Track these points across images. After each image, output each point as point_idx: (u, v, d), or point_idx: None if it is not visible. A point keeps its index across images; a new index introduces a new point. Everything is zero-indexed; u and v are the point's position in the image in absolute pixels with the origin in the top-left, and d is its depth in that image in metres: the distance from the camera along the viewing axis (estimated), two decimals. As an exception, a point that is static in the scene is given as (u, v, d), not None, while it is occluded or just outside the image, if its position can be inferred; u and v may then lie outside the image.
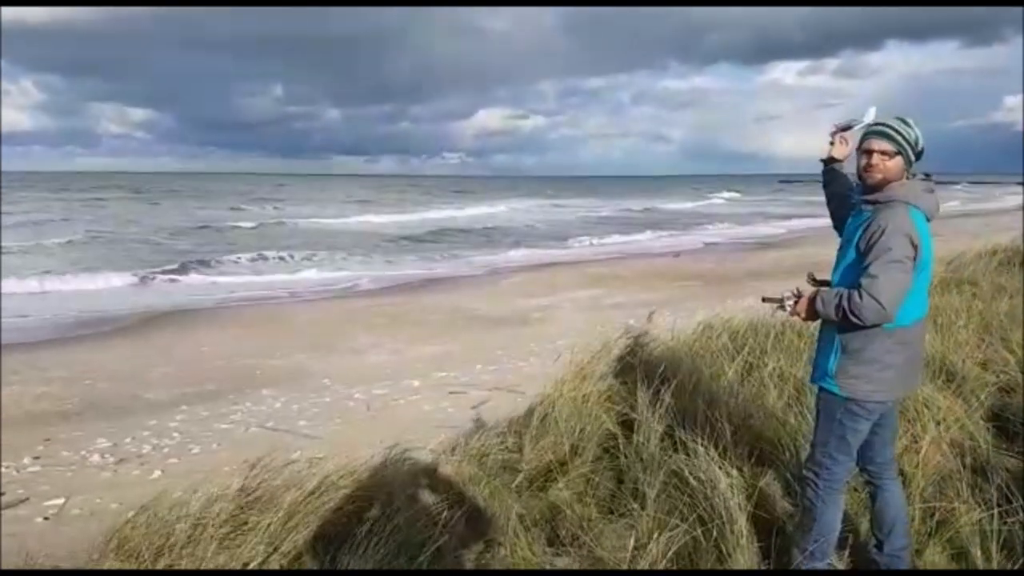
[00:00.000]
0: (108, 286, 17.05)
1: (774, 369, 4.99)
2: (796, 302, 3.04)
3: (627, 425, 4.45)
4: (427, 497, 3.81)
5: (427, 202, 60.97)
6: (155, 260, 21.52)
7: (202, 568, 3.14)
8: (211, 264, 20.94)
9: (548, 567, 3.38)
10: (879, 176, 2.97)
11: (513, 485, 3.99)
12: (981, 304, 6.89)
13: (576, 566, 3.38)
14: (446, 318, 12.79)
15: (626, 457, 4.17)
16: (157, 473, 5.97)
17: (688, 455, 3.74)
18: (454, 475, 4.03)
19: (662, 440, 4.14)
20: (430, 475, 4.02)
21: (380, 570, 3.13)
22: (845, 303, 2.84)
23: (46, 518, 5.13)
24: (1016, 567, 3.23)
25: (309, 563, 3.25)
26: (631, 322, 6.59)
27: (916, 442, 4.06)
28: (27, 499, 5.45)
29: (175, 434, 6.92)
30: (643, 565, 3.10)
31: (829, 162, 3.34)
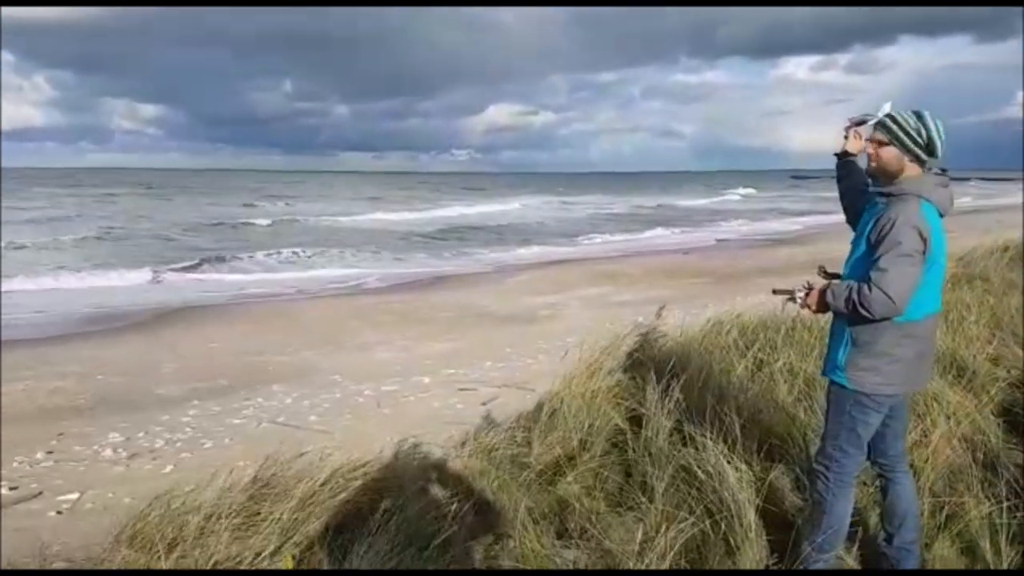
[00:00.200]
0: (121, 282, 17.14)
1: (784, 364, 4.98)
2: (807, 294, 3.05)
3: (636, 420, 4.46)
4: (437, 490, 3.84)
5: (437, 199, 60.99)
6: (168, 256, 21.65)
7: (212, 560, 3.17)
8: (223, 261, 21.03)
9: (557, 560, 3.40)
10: (873, 165, 3.01)
11: (522, 479, 4.01)
12: (992, 299, 6.87)
13: (584, 559, 3.40)
14: (455, 315, 12.81)
15: (634, 451, 4.18)
16: (169, 468, 6.02)
17: (697, 449, 3.75)
18: (463, 469, 4.06)
19: (671, 435, 4.15)
20: (440, 469, 4.04)
21: (379, 570, 3.15)
22: (855, 296, 2.85)
23: (59, 512, 5.18)
24: (1026, 562, 3.23)
25: (320, 553, 3.28)
26: (640, 319, 6.59)
27: (926, 436, 4.06)
28: (40, 493, 5.51)
29: (187, 429, 6.97)
30: (651, 558, 3.12)
31: (843, 156, 3.34)
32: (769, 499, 3.57)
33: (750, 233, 30.50)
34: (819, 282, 3.07)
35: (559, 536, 3.60)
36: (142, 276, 17.88)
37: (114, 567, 3.24)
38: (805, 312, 3.14)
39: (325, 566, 3.26)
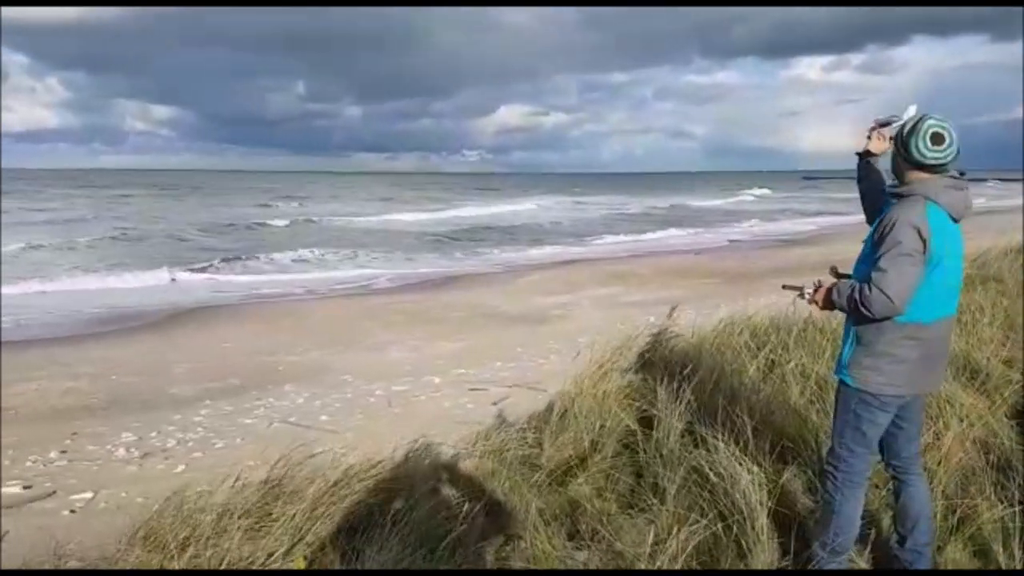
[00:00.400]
0: (136, 283, 17.20)
1: (796, 366, 4.96)
2: (815, 291, 3.09)
3: (647, 422, 4.46)
4: (448, 491, 3.85)
5: (449, 200, 61.05)
6: (183, 257, 21.75)
7: (225, 560, 3.19)
8: (237, 261, 21.12)
9: (568, 561, 3.40)
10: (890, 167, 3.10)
11: (533, 480, 4.02)
12: (1006, 301, 6.82)
13: (596, 560, 3.40)
14: (466, 315, 12.83)
15: (646, 453, 4.17)
16: (181, 467, 6.06)
17: (709, 451, 3.74)
18: (474, 470, 4.06)
19: (682, 436, 4.14)
20: (451, 470, 4.05)
21: (386, 570, 3.16)
22: (856, 295, 2.88)
23: (73, 511, 5.22)
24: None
25: (332, 554, 3.29)
26: (651, 319, 6.58)
27: (939, 439, 4.04)
28: (54, 492, 5.55)
29: (199, 429, 7.01)
30: (663, 560, 3.11)
31: (865, 156, 3.33)
32: (781, 501, 3.56)
33: (763, 234, 30.38)
34: (829, 280, 3.09)
35: (570, 538, 3.60)
36: (156, 277, 17.95)
37: (128, 567, 3.26)
38: (812, 309, 3.17)
39: (337, 567, 3.27)
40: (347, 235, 30.41)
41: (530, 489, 3.91)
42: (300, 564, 3.14)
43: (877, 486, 3.68)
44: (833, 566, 3.14)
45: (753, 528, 3.26)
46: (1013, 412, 4.56)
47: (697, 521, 3.29)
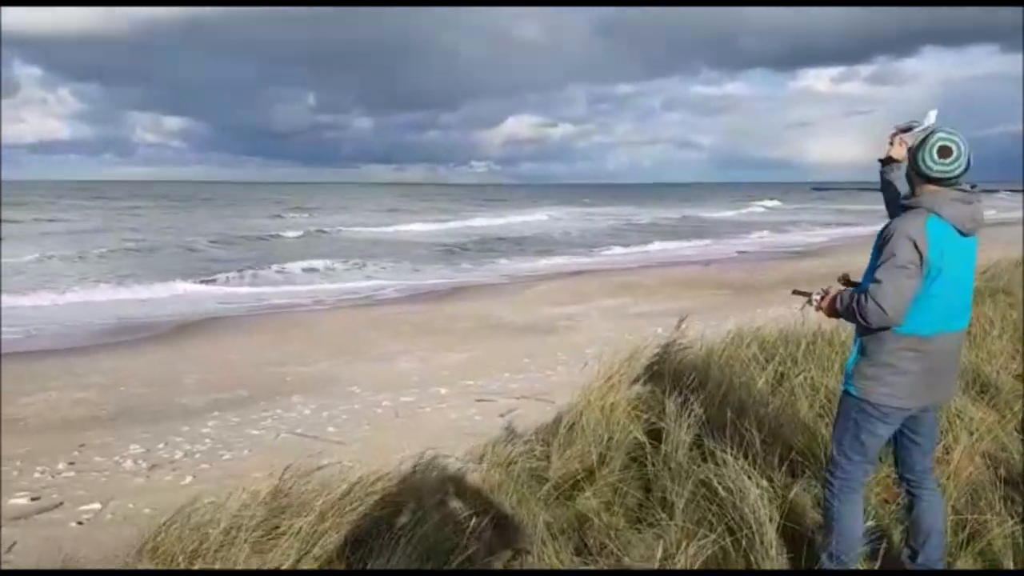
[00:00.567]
0: (147, 294, 17.21)
1: (805, 379, 4.94)
2: (822, 298, 3.12)
3: (655, 434, 4.44)
4: (455, 504, 3.83)
5: (458, 211, 61.18)
6: (194, 269, 21.79)
7: (238, 567, 3.19)
8: (247, 272, 21.14)
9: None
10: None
11: (540, 493, 4.00)
12: (1016, 314, 6.77)
13: (604, 575, 3.38)
14: (474, 326, 12.82)
15: (654, 466, 4.15)
16: (189, 479, 6.06)
17: (717, 464, 3.72)
18: (482, 483, 4.05)
19: (691, 450, 4.13)
20: (458, 482, 4.04)
21: (384, 570, 3.15)
22: (855, 304, 2.90)
23: (80, 523, 5.22)
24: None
25: (339, 568, 3.28)
26: (659, 330, 6.57)
27: (948, 453, 4.01)
28: (62, 504, 5.56)
29: (207, 440, 7.02)
30: (671, 575, 3.09)
31: (886, 162, 3.32)
32: (790, 516, 3.53)
33: (772, 245, 30.28)
34: (837, 287, 3.11)
35: (578, 552, 3.58)
36: (167, 288, 17.95)
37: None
38: (820, 316, 3.18)
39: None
40: (357, 246, 30.47)
41: (538, 502, 3.89)
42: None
43: (887, 501, 3.66)
44: None
45: (762, 543, 3.24)
46: (1023, 426, 4.52)
47: (706, 536, 3.27)
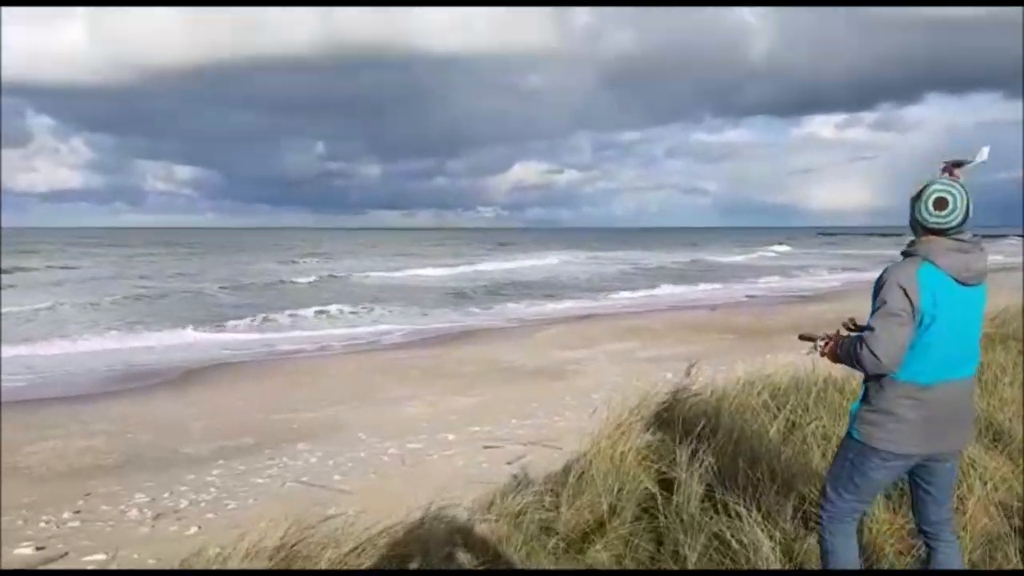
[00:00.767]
0: (157, 341, 17.10)
1: (816, 428, 4.88)
2: (826, 343, 3.14)
3: (666, 484, 4.37)
4: (463, 556, 3.77)
5: (467, 255, 61.33)
6: (203, 315, 21.72)
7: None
8: (257, 318, 21.09)
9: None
10: None
11: (550, 546, 3.93)
12: (1028, 360, 6.69)
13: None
14: (481, 370, 12.77)
15: (666, 518, 4.08)
16: (194, 529, 6.00)
17: (730, 516, 3.66)
18: (490, 534, 3.98)
19: (703, 501, 4.06)
20: (466, 534, 3.97)
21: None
22: (853, 351, 2.94)
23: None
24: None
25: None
26: (668, 375, 6.51)
27: (963, 503, 3.94)
28: (67, 554, 5.50)
29: (212, 489, 6.96)
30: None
31: None
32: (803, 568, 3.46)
33: (781, 289, 30.16)
34: (842, 333, 3.12)
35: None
36: (178, 335, 17.85)
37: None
38: (826, 361, 3.19)
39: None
40: (367, 291, 30.48)
41: (547, 555, 3.82)
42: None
43: (902, 552, 3.58)
44: None
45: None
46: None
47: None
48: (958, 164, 3.05)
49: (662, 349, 14.25)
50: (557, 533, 4.03)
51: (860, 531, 3.34)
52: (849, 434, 3.10)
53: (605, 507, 4.21)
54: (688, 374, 5.77)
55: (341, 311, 22.94)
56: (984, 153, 3.01)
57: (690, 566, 3.43)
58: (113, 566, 5.27)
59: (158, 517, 6.28)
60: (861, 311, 3.39)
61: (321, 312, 22.62)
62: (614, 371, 11.97)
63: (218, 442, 8.53)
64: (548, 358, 13.83)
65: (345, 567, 3.40)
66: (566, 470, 4.76)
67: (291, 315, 21.82)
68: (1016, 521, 3.91)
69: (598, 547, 3.93)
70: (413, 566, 3.56)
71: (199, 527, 6.02)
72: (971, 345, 3.04)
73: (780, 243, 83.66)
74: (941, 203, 2.89)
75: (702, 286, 31.44)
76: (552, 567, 3.64)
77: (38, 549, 5.59)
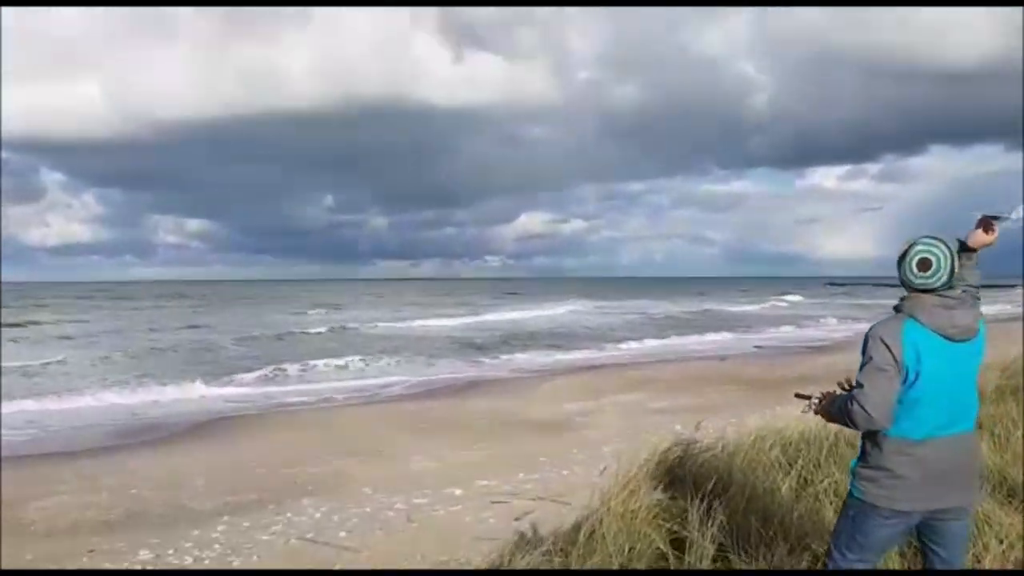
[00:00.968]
0: (166, 395, 16.89)
1: (829, 484, 4.81)
2: (820, 401, 3.14)
3: (678, 544, 4.29)
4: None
5: (475, 305, 61.45)
6: (213, 368, 21.62)
7: None
8: (265, 370, 20.95)
9: None
10: None
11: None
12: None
13: None
14: (489, 422, 12.68)
15: (678, 579, 4.00)
16: (197, 587, 5.91)
17: (742, 577, 3.58)
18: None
19: (715, 561, 3.98)
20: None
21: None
22: (844, 408, 2.94)
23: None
24: None
25: None
26: (678, 427, 6.45)
27: (979, 562, 3.85)
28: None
29: (216, 545, 6.87)
30: None
31: (963, 249, 3.13)
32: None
33: (790, 340, 29.99)
34: (836, 391, 3.10)
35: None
36: (187, 388, 17.60)
37: None
38: (818, 418, 3.21)
39: None
40: (375, 341, 30.45)
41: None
42: None
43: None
44: None
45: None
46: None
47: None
48: (995, 218, 3.07)
49: (671, 400, 14.16)
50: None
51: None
52: (850, 492, 3.09)
53: (616, 567, 4.13)
54: (698, 428, 5.72)
55: (353, 363, 22.85)
56: (1019, 211, 3.05)
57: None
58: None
59: (161, 576, 6.19)
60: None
61: (333, 364, 22.54)
62: (623, 423, 11.88)
63: (223, 497, 8.45)
64: (556, 410, 13.75)
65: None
66: (576, 528, 4.67)
67: (301, 367, 21.77)
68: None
69: (608, 610, 3.84)
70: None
71: (202, 586, 5.93)
72: (965, 400, 3.01)
73: (790, 293, 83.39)
74: (925, 264, 2.91)
75: (710, 336, 31.29)
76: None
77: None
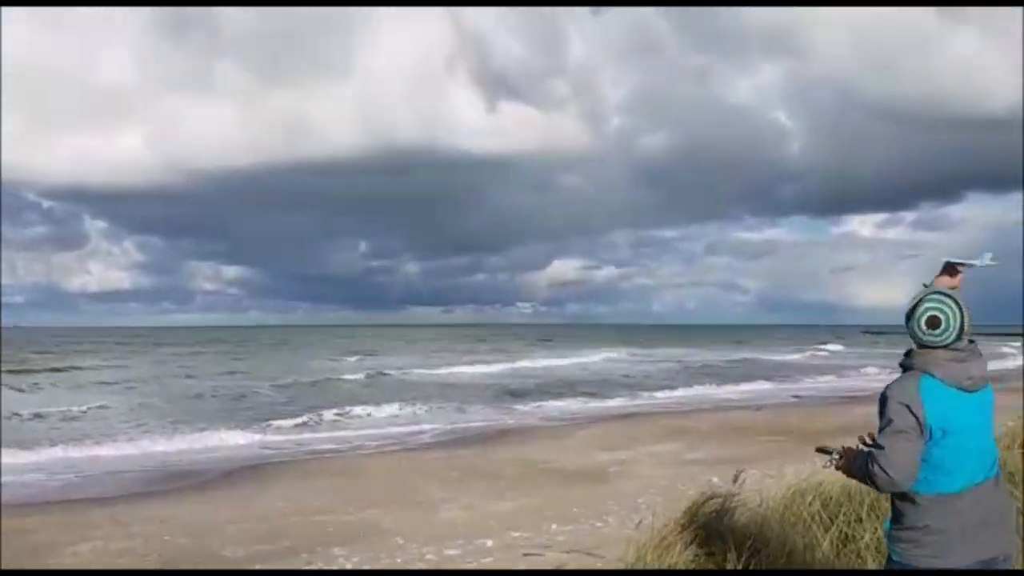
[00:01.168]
0: (202, 441, 16.94)
1: (871, 540, 4.66)
2: (840, 457, 3.06)
3: (715, 601, 4.17)
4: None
5: (507, 351, 61.25)
6: (249, 414, 21.70)
7: None
8: (305, 417, 20.92)
9: None
10: None
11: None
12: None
13: None
14: (522, 471, 12.56)
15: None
16: (227, 638, 5.86)
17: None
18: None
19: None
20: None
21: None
22: (865, 468, 2.87)
23: None
24: None
25: None
26: (714, 479, 6.33)
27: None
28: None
29: (248, 595, 6.83)
30: None
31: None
32: None
33: (828, 389, 29.46)
34: (858, 447, 3.01)
35: None
36: (223, 435, 17.63)
37: None
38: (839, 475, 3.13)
39: None
40: (410, 388, 30.41)
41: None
42: None
43: None
44: None
45: None
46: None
47: None
48: (961, 264, 3.05)
49: (708, 451, 13.92)
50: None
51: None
52: (889, 557, 2.97)
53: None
54: (735, 481, 5.60)
55: (387, 408, 22.81)
56: (986, 258, 3.01)
57: None
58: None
59: (191, 625, 6.16)
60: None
61: (368, 410, 22.51)
62: (659, 474, 11.70)
63: (255, 545, 8.44)
64: (590, 459, 13.58)
65: None
66: (611, 586, 4.58)
67: (338, 412, 21.81)
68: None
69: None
70: None
71: (232, 636, 5.88)
72: (987, 447, 2.96)
73: (830, 341, 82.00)
74: (933, 322, 2.87)
75: (744, 386, 30.72)
76: None
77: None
